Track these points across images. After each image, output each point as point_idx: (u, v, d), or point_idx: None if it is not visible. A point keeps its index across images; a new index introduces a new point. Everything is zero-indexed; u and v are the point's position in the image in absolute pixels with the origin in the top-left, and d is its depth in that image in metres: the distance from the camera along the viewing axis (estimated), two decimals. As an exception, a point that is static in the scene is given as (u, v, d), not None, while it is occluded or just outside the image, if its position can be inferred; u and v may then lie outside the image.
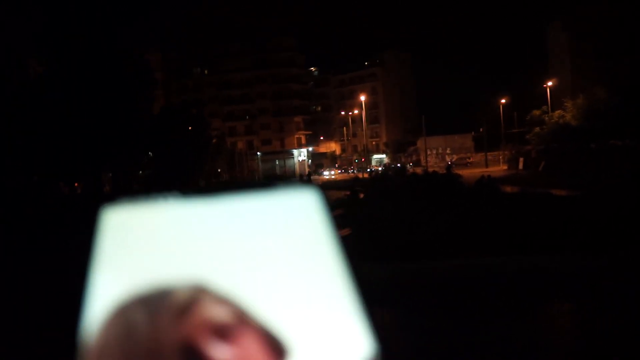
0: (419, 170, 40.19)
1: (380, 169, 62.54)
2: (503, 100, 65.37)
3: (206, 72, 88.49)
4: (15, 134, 26.93)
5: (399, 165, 63.72)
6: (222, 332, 0.39)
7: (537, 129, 48.83)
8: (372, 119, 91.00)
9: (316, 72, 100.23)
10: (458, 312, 7.89)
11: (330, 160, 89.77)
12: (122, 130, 31.52)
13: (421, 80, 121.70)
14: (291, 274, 0.42)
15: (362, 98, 69.33)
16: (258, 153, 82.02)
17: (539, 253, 10.03)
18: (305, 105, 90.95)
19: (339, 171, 78.06)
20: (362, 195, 24.11)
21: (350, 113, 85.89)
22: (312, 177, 55.57)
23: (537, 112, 52.11)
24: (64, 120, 28.21)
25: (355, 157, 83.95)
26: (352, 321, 0.41)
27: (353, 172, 69.90)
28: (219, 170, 63.27)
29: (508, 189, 23.94)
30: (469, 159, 71.77)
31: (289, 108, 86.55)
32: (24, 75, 30.88)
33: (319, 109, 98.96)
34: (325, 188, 43.71)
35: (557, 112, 47.81)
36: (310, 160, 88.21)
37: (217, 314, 0.40)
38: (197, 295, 0.41)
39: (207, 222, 0.44)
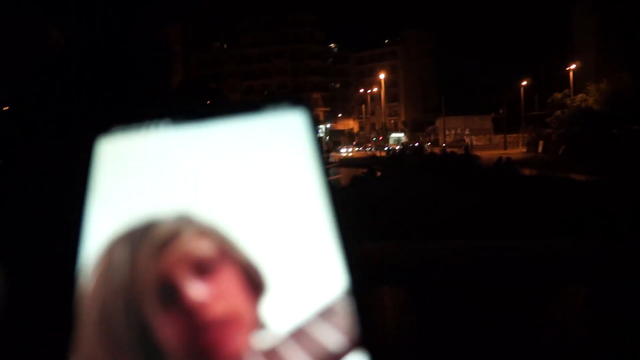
0: (437, 150, 40.03)
1: (397, 147, 62.25)
2: (524, 82, 64.50)
3: (225, 46, 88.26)
4: (35, 105, 27.23)
5: (416, 144, 63.36)
6: (202, 268, 0.39)
7: (558, 113, 48.16)
8: (391, 97, 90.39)
9: (336, 49, 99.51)
10: (471, 293, 7.94)
11: (348, 137, 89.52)
12: (140, 104, 31.68)
13: (442, 60, 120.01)
14: (274, 202, 0.41)
15: (382, 76, 68.83)
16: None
17: (555, 237, 10.02)
18: (324, 82, 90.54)
19: (357, 149, 77.69)
20: (379, 174, 24.11)
21: (369, 91, 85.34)
22: (330, 153, 55.47)
23: (558, 95, 51.37)
24: (79, 93, 28.42)
25: (373, 135, 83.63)
26: (329, 256, 0.39)
27: (370, 150, 69.63)
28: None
29: (526, 171, 23.80)
30: (464, 141, 70.66)
31: (308, 84, 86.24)
32: (45, 47, 31.10)
33: (338, 86, 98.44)
34: (343, 165, 43.76)
35: (580, 96, 47.08)
36: (328, 137, 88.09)
37: (199, 247, 0.39)
38: (181, 226, 0.40)
39: (196, 147, 0.44)
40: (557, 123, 47.09)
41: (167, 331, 0.36)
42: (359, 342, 0.36)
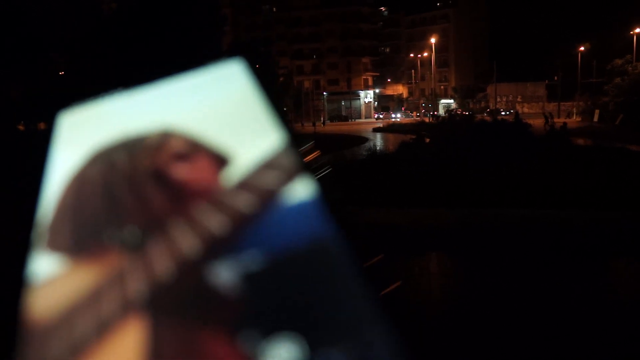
0: (487, 117, 39.24)
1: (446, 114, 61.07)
2: (582, 48, 62.10)
3: (275, 9, 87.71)
4: (91, 68, 27.85)
5: (466, 112, 62.05)
6: (182, 157, 0.44)
7: (617, 80, 46.15)
8: (442, 62, 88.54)
9: (385, 12, 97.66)
10: (519, 261, 7.91)
11: (397, 103, 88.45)
12: (186, 66, 31.94)
13: (495, 23, 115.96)
14: (236, 135, 0.44)
15: (432, 40, 67.39)
16: (324, 93, 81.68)
17: (609, 208, 9.81)
18: (374, 46, 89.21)
19: (395, 115, 75.36)
20: (428, 140, 23.90)
21: (419, 55, 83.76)
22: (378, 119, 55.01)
23: (619, 61, 49.08)
24: (131, 57, 28.85)
25: (422, 101, 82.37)
26: (272, 126, 0.44)
27: (419, 116, 68.55)
28: (285, 109, 63.67)
29: (580, 141, 23.15)
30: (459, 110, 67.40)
31: (357, 48, 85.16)
32: (98, 12, 31.60)
33: (388, 50, 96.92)
34: (391, 131, 43.45)
35: (643, 62, 45.02)
36: (376, 103, 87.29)
37: (181, 145, 0.45)
38: (167, 136, 0.46)
39: (151, 107, 0.48)
40: (616, 91, 45.20)
41: (157, 200, 0.42)
42: (302, 169, 0.40)
